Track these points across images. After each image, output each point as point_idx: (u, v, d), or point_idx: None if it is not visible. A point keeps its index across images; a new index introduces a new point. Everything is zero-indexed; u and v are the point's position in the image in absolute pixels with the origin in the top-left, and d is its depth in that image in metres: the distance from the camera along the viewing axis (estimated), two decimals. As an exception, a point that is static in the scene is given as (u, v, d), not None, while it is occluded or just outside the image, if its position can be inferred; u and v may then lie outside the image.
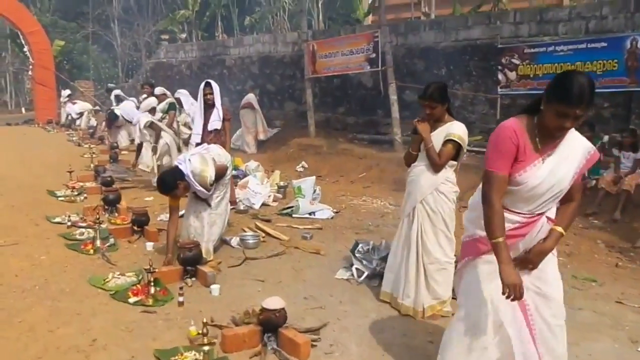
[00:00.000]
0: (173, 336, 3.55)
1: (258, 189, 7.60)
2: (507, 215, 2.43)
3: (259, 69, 15.29)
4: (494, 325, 2.49)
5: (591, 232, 6.13)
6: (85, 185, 8.19)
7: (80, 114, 17.13)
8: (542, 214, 2.47)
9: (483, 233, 2.47)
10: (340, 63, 10.86)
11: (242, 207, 7.06)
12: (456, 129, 3.73)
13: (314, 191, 7.53)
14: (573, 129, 2.38)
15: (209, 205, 4.98)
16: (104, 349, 3.37)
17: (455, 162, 3.81)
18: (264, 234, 5.86)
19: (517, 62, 8.13)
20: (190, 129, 8.31)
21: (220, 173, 4.90)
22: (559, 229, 2.45)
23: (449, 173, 3.81)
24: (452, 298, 3.81)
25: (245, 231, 5.96)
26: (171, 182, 4.61)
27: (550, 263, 2.55)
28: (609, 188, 6.63)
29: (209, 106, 6.54)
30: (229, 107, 7.44)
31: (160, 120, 9.27)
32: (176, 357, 3.19)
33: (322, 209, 6.97)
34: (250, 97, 12.76)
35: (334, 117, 12.84)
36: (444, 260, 3.84)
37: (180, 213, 5.11)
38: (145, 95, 10.91)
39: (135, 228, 5.81)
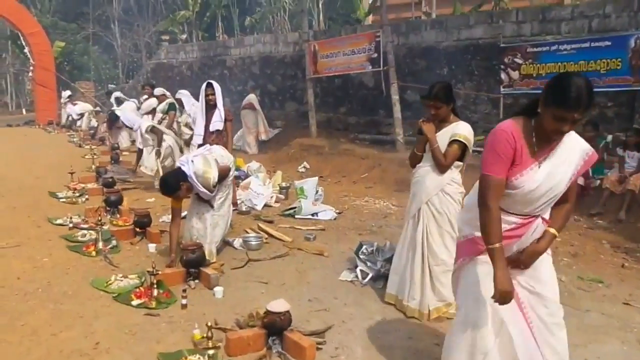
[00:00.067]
0: (177, 339, 3.51)
1: (260, 189, 7.56)
2: (503, 216, 2.41)
3: (260, 69, 15.26)
4: (494, 326, 2.47)
5: (596, 233, 6.09)
6: (86, 187, 8.15)
7: (81, 115, 17.11)
8: (538, 215, 2.46)
9: (479, 233, 2.44)
10: (342, 63, 10.82)
11: (244, 208, 7.03)
12: (462, 129, 3.70)
13: (317, 192, 7.48)
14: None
15: (212, 206, 4.95)
16: (107, 353, 3.34)
17: (461, 163, 3.77)
18: (266, 236, 5.83)
19: (520, 61, 8.09)
20: (191, 129, 8.28)
21: (223, 174, 4.87)
22: (553, 230, 2.46)
23: (454, 174, 3.77)
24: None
25: (247, 232, 5.94)
26: (174, 183, 4.58)
27: (545, 262, 2.54)
28: (613, 188, 6.59)
29: (210, 107, 6.51)
30: (230, 108, 7.41)
31: (161, 121, 9.25)
32: (180, 361, 3.16)
33: (325, 209, 6.94)
34: (252, 98, 12.73)
35: (335, 117, 12.80)
36: (450, 261, 3.78)
37: (182, 214, 5.08)
38: (146, 96, 10.91)
39: (138, 229, 5.78)
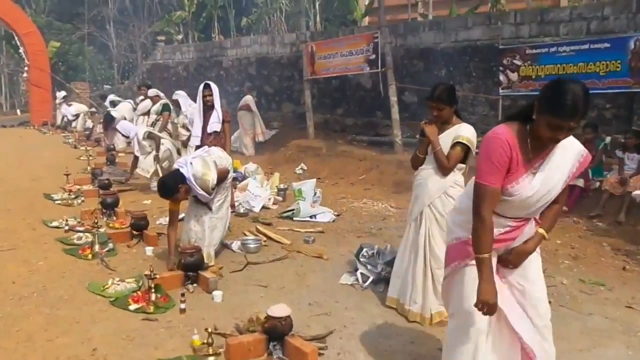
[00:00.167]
0: (175, 345, 3.45)
1: (258, 191, 7.50)
2: (497, 220, 2.38)
3: (257, 70, 15.20)
4: (487, 329, 2.45)
5: (596, 235, 6.06)
6: (82, 188, 8.08)
7: (76, 116, 16.99)
8: (531, 218, 2.46)
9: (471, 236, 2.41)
10: (340, 64, 10.78)
11: (242, 210, 6.97)
12: (465, 131, 3.66)
13: (315, 194, 7.44)
14: None
15: (210, 209, 4.89)
16: (105, 359, 3.28)
17: (463, 165, 3.73)
18: (265, 238, 5.77)
19: (518, 63, 8.06)
20: (188, 130, 8.21)
21: (221, 176, 4.81)
22: (542, 230, 2.45)
23: (457, 176, 3.72)
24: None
25: (246, 235, 5.88)
26: (172, 186, 4.51)
27: (533, 261, 2.52)
28: (613, 190, 6.56)
29: (208, 108, 6.45)
30: (227, 109, 7.35)
31: (155, 122, 9.18)
32: (179, 367, 3.10)
33: (323, 211, 6.88)
34: (248, 99, 12.67)
35: (332, 118, 12.76)
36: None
37: (180, 216, 5.02)
38: (142, 97, 10.84)
39: (134, 232, 5.71)
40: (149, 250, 5.30)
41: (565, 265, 5.17)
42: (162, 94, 10.05)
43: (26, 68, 21.08)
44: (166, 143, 8.16)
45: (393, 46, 10.49)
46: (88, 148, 11.93)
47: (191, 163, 4.61)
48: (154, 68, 19.84)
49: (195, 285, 4.37)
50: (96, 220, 5.59)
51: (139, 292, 4.14)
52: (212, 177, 4.62)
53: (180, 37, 24.32)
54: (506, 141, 2.24)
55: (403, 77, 10.65)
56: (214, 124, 6.40)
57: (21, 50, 21.11)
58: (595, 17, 8.43)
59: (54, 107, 19.26)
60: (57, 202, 7.50)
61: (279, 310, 3.31)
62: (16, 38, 21.19)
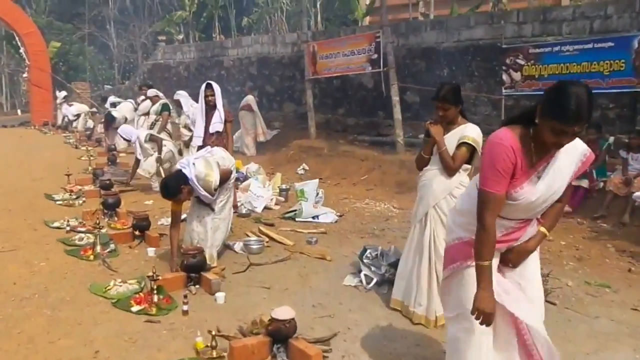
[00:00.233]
0: (178, 347, 3.42)
1: (260, 192, 7.47)
2: (500, 221, 2.35)
3: (258, 70, 15.17)
4: (489, 334, 2.43)
5: (600, 236, 6.02)
6: (83, 189, 8.05)
7: (77, 116, 16.96)
8: (533, 218, 2.44)
9: (473, 234, 2.37)
10: (341, 64, 10.73)
11: (244, 211, 6.93)
12: (470, 132, 3.62)
13: (317, 194, 7.40)
14: None
15: (213, 210, 4.85)
16: (107, 362, 3.25)
17: (469, 166, 3.69)
18: (267, 239, 5.74)
19: (522, 62, 8.02)
20: (190, 130, 8.18)
21: (224, 177, 4.77)
22: (543, 229, 2.43)
23: (462, 177, 3.68)
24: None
25: (248, 236, 5.85)
26: (175, 186, 4.47)
27: (532, 261, 2.50)
28: (617, 190, 6.52)
29: (210, 108, 6.41)
30: (229, 109, 7.31)
31: (154, 122, 9.14)
32: (183, 370, 3.07)
33: (326, 212, 6.85)
34: (249, 99, 12.64)
35: (334, 118, 12.72)
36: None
37: (182, 217, 4.99)
38: (143, 97, 10.81)
39: (136, 233, 5.67)
40: (151, 251, 5.27)
41: (570, 266, 5.13)
42: (161, 94, 10.03)
43: (27, 68, 21.06)
44: (168, 144, 8.14)
45: (395, 46, 10.45)
46: (89, 148, 11.91)
47: (194, 164, 4.57)
48: (155, 68, 19.82)
49: (197, 286, 4.34)
50: (98, 221, 5.58)
51: (141, 294, 4.11)
52: (214, 178, 4.58)
53: (181, 37, 24.29)
54: (510, 147, 2.19)
55: (405, 77, 10.61)
56: (216, 124, 6.36)
57: (22, 50, 21.09)
58: (598, 16, 8.39)
59: (55, 107, 19.23)
60: (58, 202, 7.47)
61: (283, 312, 3.27)
62: (17, 38, 21.16)
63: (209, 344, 3.15)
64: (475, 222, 2.33)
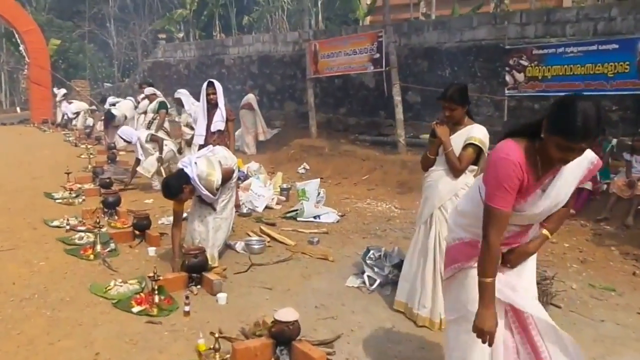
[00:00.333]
0: (180, 349, 3.38)
1: (261, 191, 7.42)
2: None
3: (259, 68, 15.11)
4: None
5: (604, 239, 5.98)
6: (83, 187, 8.00)
7: (77, 114, 16.87)
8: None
9: (474, 237, 2.35)
10: (343, 63, 10.69)
11: (245, 210, 6.89)
12: (477, 132, 3.57)
13: (318, 194, 7.36)
14: None
15: (214, 209, 4.80)
16: (108, 364, 3.21)
17: (475, 167, 3.65)
18: (269, 239, 5.69)
19: (525, 63, 7.98)
20: (192, 129, 8.13)
21: (226, 176, 4.72)
22: (546, 232, 2.40)
23: (468, 178, 3.64)
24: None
25: (249, 235, 5.80)
26: (177, 186, 4.42)
27: (530, 261, 2.48)
28: (620, 193, 6.49)
29: (212, 106, 6.36)
30: (230, 107, 7.26)
31: (152, 120, 9.10)
32: (185, 373, 3.02)
33: (327, 212, 6.81)
34: (250, 98, 12.60)
35: (335, 117, 12.68)
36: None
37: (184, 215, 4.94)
38: (143, 95, 10.76)
39: (137, 232, 5.63)
40: (151, 250, 5.23)
41: (573, 269, 5.10)
42: (158, 92, 9.98)
43: (26, 66, 20.99)
44: (169, 144, 8.09)
45: (397, 45, 10.41)
46: (89, 146, 11.84)
47: (195, 163, 4.52)
48: (155, 66, 19.75)
49: (199, 287, 4.30)
50: (98, 220, 5.52)
51: (142, 294, 4.06)
52: (216, 177, 4.53)
53: (181, 35, 24.24)
54: (517, 163, 2.13)
55: (407, 77, 10.57)
56: (218, 123, 6.32)
57: (21, 47, 21.02)
58: (602, 18, 8.34)
59: (54, 104, 19.15)
60: (57, 201, 7.42)
61: (287, 314, 3.23)
62: (16, 36, 21.10)
63: (211, 346, 3.11)
64: (476, 223, 2.30)
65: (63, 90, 18.77)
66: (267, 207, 7.20)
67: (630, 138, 7.15)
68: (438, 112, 3.72)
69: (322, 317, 3.89)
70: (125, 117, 11.84)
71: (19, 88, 30.11)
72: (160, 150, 7.91)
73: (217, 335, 3.12)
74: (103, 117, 12.97)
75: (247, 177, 8.29)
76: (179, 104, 9.08)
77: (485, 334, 2.21)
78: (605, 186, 6.72)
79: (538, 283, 3.89)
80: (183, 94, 9.07)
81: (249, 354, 3.17)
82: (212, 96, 6.31)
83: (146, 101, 10.26)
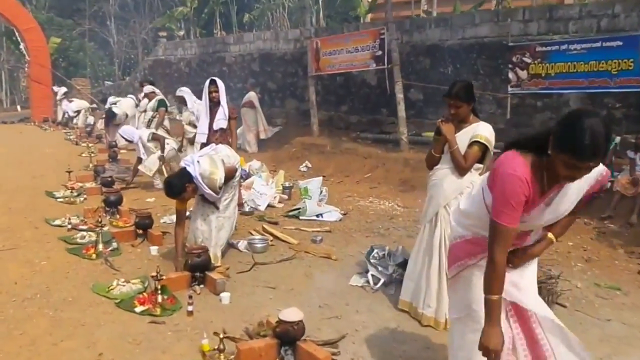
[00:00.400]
0: (183, 349, 3.36)
1: (263, 189, 7.39)
2: None
3: (260, 66, 15.07)
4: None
5: (608, 237, 5.95)
6: (84, 186, 7.97)
7: (77, 112, 16.85)
8: None
9: (476, 234, 2.33)
10: (345, 60, 10.65)
11: (247, 209, 6.86)
12: (482, 130, 3.53)
13: (321, 192, 7.33)
14: None
15: (217, 208, 4.78)
16: (111, 364, 3.18)
17: (481, 165, 3.61)
18: (272, 238, 5.67)
19: (528, 60, 7.93)
20: (195, 127, 8.10)
21: (229, 175, 4.70)
22: (551, 236, 2.37)
23: (474, 176, 3.60)
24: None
25: (252, 234, 5.78)
26: (179, 185, 4.40)
27: (532, 266, 2.45)
28: (624, 191, 6.45)
29: (214, 104, 6.34)
30: (233, 105, 7.22)
31: (151, 119, 9.07)
32: (189, 373, 3.00)
33: (330, 210, 6.78)
34: (251, 96, 12.58)
35: (336, 115, 12.63)
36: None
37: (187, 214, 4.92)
38: (143, 93, 10.71)
39: (139, 231, 5.60)
40: (153, 249, 5.21)
41: (578, 267, 5.07)
42: (157, 90, 9.94)
43: (27, 64, 20.94)
44: (170, 143, 8.07)
45: (399, 43, 10.36)
46: (90, 145, 11.82)
47: (198, 161, 4.49)
48: (156, 64, 19.71)
49: (202, 286, 4.27)
50: (99, 219, 5.50)
51: (145, 294, 4.04)
52: (219, 176, 4.51)
53: (181, 33, 24.19)
54: (525, 180, 2.09)
55: (409, 74, 10.52)
56: (220, 121, 6.29)
57: (22, 46, 20.98)
58: (605, 15, 8.29)
59: (55, 103, 19.11)
60: (59, 200, 7.39)
61: (291, 314, 3.21)
62: (17, 34, 21.05)
63: (216, 347, 3.08)
64: (478, 224, 2.30)
65: (63, 89, 18.72)
66: (269, 206, 7.17)
67: (634, 136, 7.09)
68: (440, 110, 3.70)
69: (326, 316, 3.87)
70: (126, 116, 11.81)
71: (19, 86, 30.09)
72: (162, 149, 7.88)
73: (222, 335, 3.09)
74: (104, 116, 12.93)
75: (249, 175, 8.26)
76: (181, 102, 9.04)
77: (491, 353, 2.19)
78: (609, 184, 6.67)
79: (543, 282, 3.89)
80: (185, 92, 9.03)
81: (254, 354, 3.14)
82: (214, 94, 6.28)
83: (146, 99, 10.22)
